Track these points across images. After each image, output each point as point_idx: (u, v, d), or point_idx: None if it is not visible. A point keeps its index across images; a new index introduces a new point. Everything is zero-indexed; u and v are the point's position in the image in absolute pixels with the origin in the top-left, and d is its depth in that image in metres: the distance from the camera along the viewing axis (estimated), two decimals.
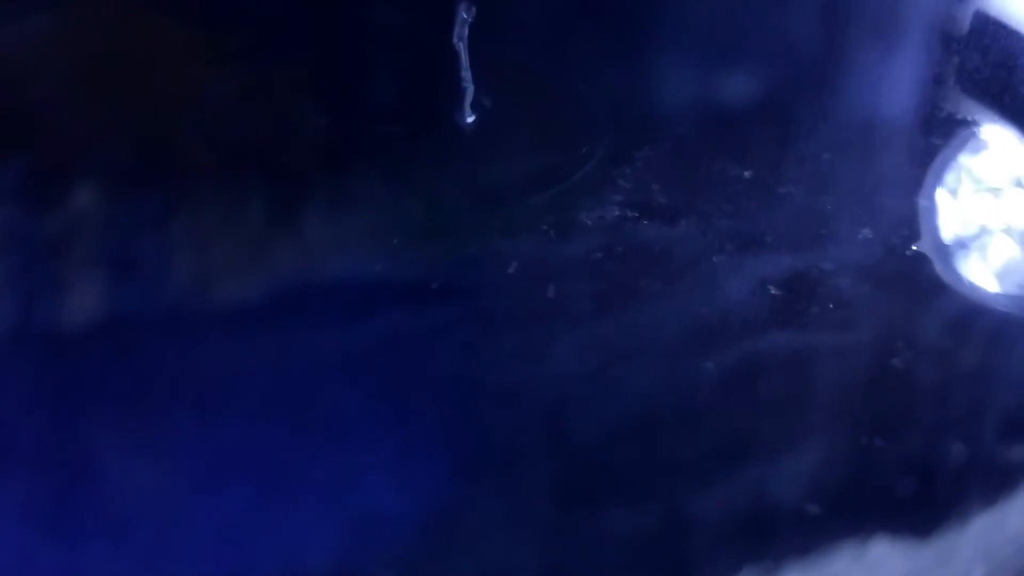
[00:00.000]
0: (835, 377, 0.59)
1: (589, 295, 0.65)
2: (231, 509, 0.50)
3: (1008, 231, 0.71)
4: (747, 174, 0.72)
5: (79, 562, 0.50)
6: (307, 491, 0.51)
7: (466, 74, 0.75)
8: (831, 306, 0.63)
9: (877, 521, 0.49)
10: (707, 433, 0.56)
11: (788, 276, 0.65)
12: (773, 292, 0.64)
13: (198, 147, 0.73)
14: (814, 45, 0.79)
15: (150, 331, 0.58)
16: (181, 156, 0.72)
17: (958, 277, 0.67)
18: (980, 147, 0.76)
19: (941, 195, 0.72)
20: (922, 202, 0.71)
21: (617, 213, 0.70)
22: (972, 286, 0.67)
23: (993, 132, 0.77)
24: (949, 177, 0.73)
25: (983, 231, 0.70)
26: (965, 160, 0.75)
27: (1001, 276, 0.68)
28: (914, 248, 0.67)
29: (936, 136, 0.75)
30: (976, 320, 0.63)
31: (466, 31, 0.74)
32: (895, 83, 0.78)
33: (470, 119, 0.75)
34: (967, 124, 0.77)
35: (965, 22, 0.80)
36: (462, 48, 0.74)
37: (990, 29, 0.79)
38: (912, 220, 0.69)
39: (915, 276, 0.65)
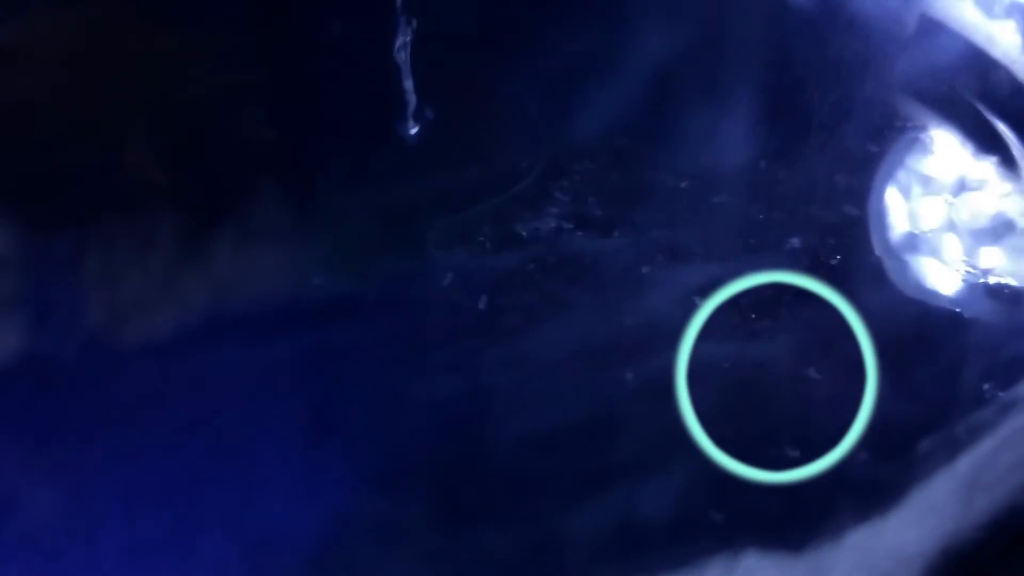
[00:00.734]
0: (750, 392, 0.60)
1: (519, 307, 0.66)
2: (145, 538, 0.52)
3: (954, 231, 0.71)
4: (684, 184, 0.73)
5: None
6: (214, 515, 0.53)
7: (408, 85, 0.76)
8: (753, 316, 0.64)
9: (748, 535, 0.50)
10: (621, 451, 0.57)
11: (713, 286, 0.65)
12: (698, 302, 0.65)
13: (146, 162, 0.75)
14: (752, 51, 0.80)
15: (66, 367, 0.60)
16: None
17: (906, 278, 0.68)
18: (925, 150, 0.77)
19: (889, 197, 0.73)
20: (857, 207, 0.72)
21: (553, 225, 0.71)
22: (919, 286, 0.68)
23: (936, 134, 0.77)
24: (896, 180, 0.74)
25: (930, 232, 0.71)
26: (911, 163, 0.75)
27: (948, 276, 0.69)
28: (839, 258, 0.67)
29: (877, 141, 0.76)
30: (895, 329, 0.64)
31: (408, 43, 0.75)
32: (836, 88, 0.78)
33: (413, 131, 0.77)
34: (910, 128, 0.77)
35: (909, 26, 0.80)
36: (404, 60, 0.75)
37: (932, 32, 0.80)
38: (841, 229, 0.70)
39: (839, 287, 0.66)
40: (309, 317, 0.66)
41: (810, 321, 0.63)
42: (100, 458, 0.55)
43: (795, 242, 0.68)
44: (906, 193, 0.74)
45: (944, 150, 0.76)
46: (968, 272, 0.69)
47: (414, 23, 0.74)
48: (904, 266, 0.69)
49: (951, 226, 0.72)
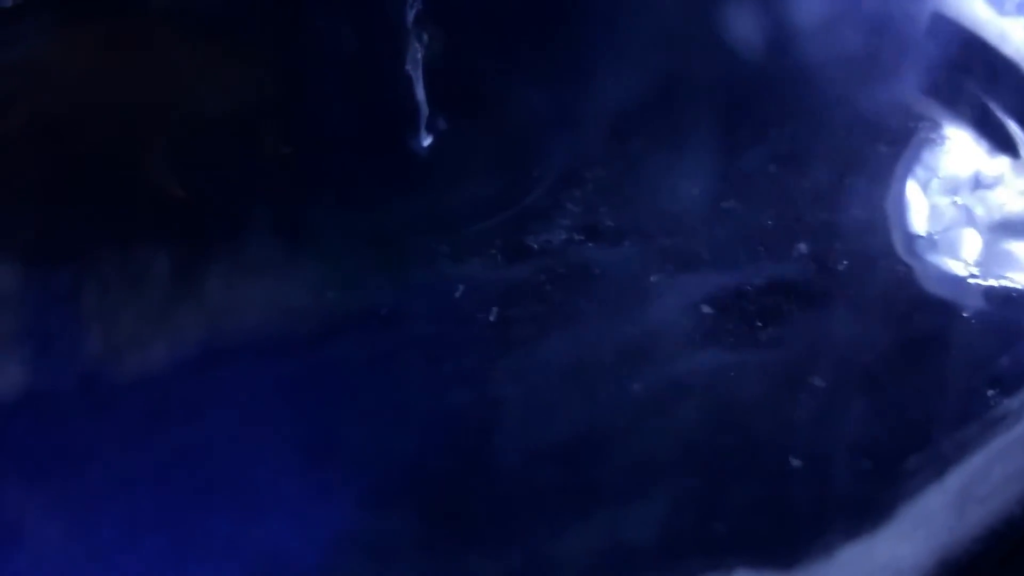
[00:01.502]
0: (756, 401, 0.60)
1: (529, 318, 0.67)
2: (145, 564, 0.54)
3: (972, 226, 0.71)
4: (695, 191, 0.74)
5: None
6: (213, 541, 0.54)
7: (421, 97, 0.77)
8: (759, 324, 0.64)
9: (739, 553, 0.51)
10: (626, 463, 0.57)
11: (720, 294, 0.66)
12: (704, 311, 0.65)
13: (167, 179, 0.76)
14: (764, 53, 0.80)
15: (65, 399, 0.62)
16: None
17: (926, 272, 0.68)
18: (937, 149, 0.76)
19: (900, 199, 0.73)
20: (878, 209, 0.72)
21: (564, 236, 0.72)
22: (941, 280, 0.68)
23: (950, 133, 0.77)
24: (907, 181, 0.74)
25: (947, 227, 0.71)
26: (923, 163, 0.75)
27: (967, 270, 0.69)
28: (846, 263, 0.68)
29: (888, 142, 0.76)
30: (920, 333, 0.64)
31: (420, 55, 0.76)
32: (846, 88, 0.78)
33: (425, 143, 0.78)
34: (922, 128, 0.77)
35: (920, 25, 0.80)
36: (416, 72, 0.76)
37: (945, 31, 0.79)
38: (850, 232, 0.70)
39: (845, 292, 0.66)
40: (320, 332, 0.67)
41: (815, 328, 0.64)
42: (100, 486, 0.57)
43: (802, 247, 0.68)
44: (919, 193, 0.74)
45: (957, 149, 0.76)
46: (980, 272, 0.69)
47: (425, 37, 0.75)
48: (918, 268, 0.69)
49: (965, 225, 0.72)
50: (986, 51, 0.77)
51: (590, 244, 0.71)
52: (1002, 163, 0.75)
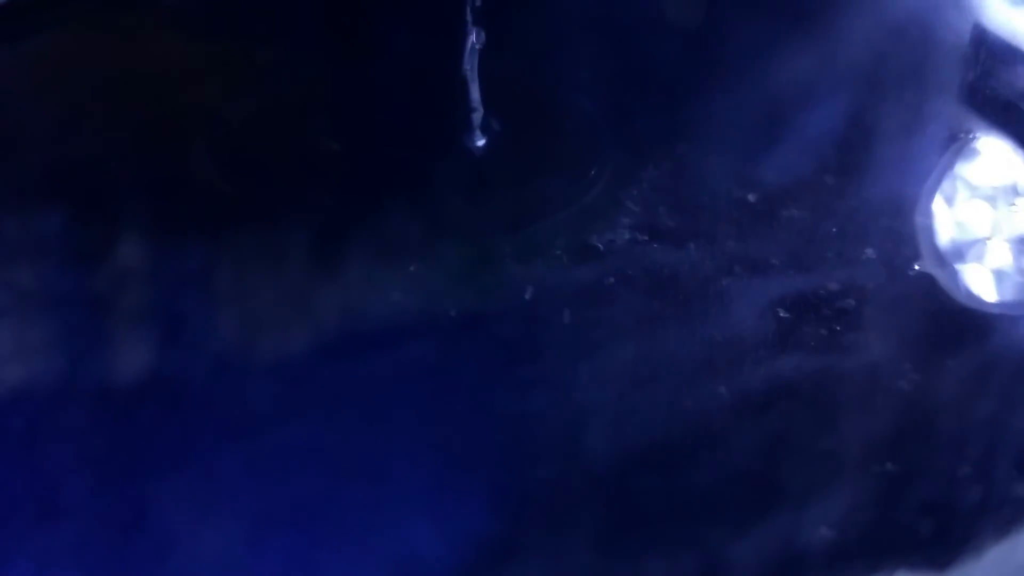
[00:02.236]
0: (847, 405, 0.61)
1: (603, 321, 0.67)
2: (278, 557, 0.52)
3: (1005, 238, 0.73)
4: (750, 196, 0.74)
5: None
6: (348, 535, 0.53)
7: (475, 97, 0.76)
8: (838, 328, 0.65)
9: (897, 555, 0.52)
10: (726, 469, 0.58)
11: (796, 299, 0.67)
12: (782, 315, 0.66)
13: (215, 179, 0.75)
14: (809, 64, 0.81)
15: (194, 387, 0.60)
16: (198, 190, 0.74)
17: (956, 285, 0.69)
18: (976, 156, 0.78)
19: (938, 205, 0.74)
20: (920, 216, 0.73)
21: (627, 237, 0.72)
22: (970, 294, 0.69)
23: (988, 142, 0.79)
24: (946, 187, 0.76)
25: (980, 239, 0.73)
26: (962, 170, 0.77)
27: (998, 282, 0.70)
28: (916, 267, 0.69)
29: (934, 150, 0.77)
30: (985, 339, 0.65)
31: (476, 56, 0.75)
32: (892, 99, 0.80)
33: (480, 142, 0.77)
34: (963, 135, 0.79)
35: (962, 36, 0.82)
36: (472, 72, 0.76)
37: (986, 41, 0.81)
38: (914, 238, 0.71)
39: (920, 295, 0.67)
40: (396, 336, 0.66)
41: (896, 331, 0.65)
42: (230, 478, 0.56)
43: (870, 252, 0.69)
44: (950, 201, 0.75)
45: (999, 158, 0.78)
46: None
47: (483, 35, 0.75)
48: (978, 274, 0.71)
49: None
50: None
51: (654, 245, 0.71)
52: None
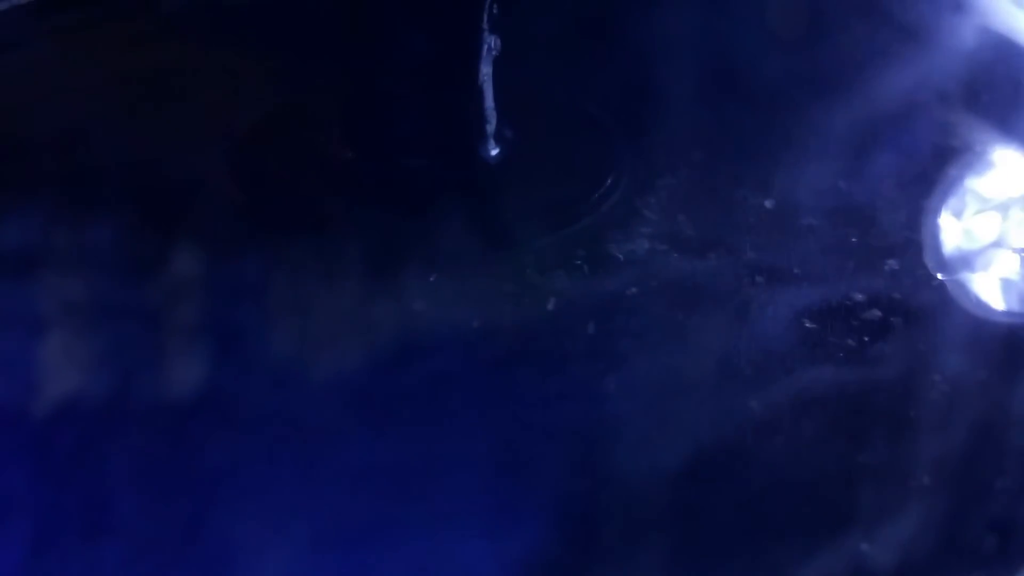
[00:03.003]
0: (880, 418, 0.61)
1: (628, 332, 0.67)
2: None
3: (1014, 247, 0.73)
4: (768, 203, 0.74)
5: None
6: (402, 555, 0.53)
7: (490, 105, 0.76)
8: (866, 339, 0.65)
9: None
10: (769, 484, 0.57)
11: (821, 309, 0.67)
12: (808, 326, 0.66)
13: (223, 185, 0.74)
14: (819, 70, 0.81)
15: (249, 403, 0.59)
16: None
17: (964, 293, 0.70)
18: (987, 166, 0.78)
19: (952, 215, 0.74)
20: (937, 225, 0.73)
21: (647, 246, 0.71)
22: (978, 302, 0.69)
23: (1000, 151, 0.79)
24: (956, 197, 0.76)
25: (989, 248, 0.73)
26: (971, 180, 0.77)
27: (1006, 290, 0.71)
28: (940, 277, 0.69)
29: (948, 160, 0.77)
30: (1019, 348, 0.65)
31: (491, 64, 0.74)
32: (903, 109, 0.80)
33: (494, 151, 0.76)
34: (976, 145, 0.79)
35: (972, 47, 0.82)
36: (487, 81, 0.75)
37: (998, 51, 0.81)
38: (933, 248, 0.71)
39: (947, 306, 0.67)
40: (421, 348, 0.65)
41: (924, 343, 0.65)
42: (286, 498, 0.55)
43: (893, 263, 0.69)
44: (959, 211, 0.75)
45: (1012, 168, 0.78)
46: None
47: (499, 43, 0.74)
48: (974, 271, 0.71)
49: None
50: None
51: (675, 255, 0.71)
52: None
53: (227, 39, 0.82)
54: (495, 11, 0.73)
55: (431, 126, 0.76)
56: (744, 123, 0.80)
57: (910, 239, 0.71)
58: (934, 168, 0.77)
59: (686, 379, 0.64)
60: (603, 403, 0.63)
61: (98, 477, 0.55)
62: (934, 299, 0.68)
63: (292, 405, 0.60)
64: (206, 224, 0.71)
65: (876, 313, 0.66)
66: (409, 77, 0.75)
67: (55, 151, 0.74)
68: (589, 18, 0.83)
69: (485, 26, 0.73)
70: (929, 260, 0.70)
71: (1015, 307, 0.70)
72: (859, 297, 0.67)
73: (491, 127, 0.76)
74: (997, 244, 0.73)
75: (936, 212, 0.74)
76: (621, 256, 0.71)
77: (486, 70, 0.74)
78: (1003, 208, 0.76)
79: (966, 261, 0.72)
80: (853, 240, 0.71)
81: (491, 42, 0.74)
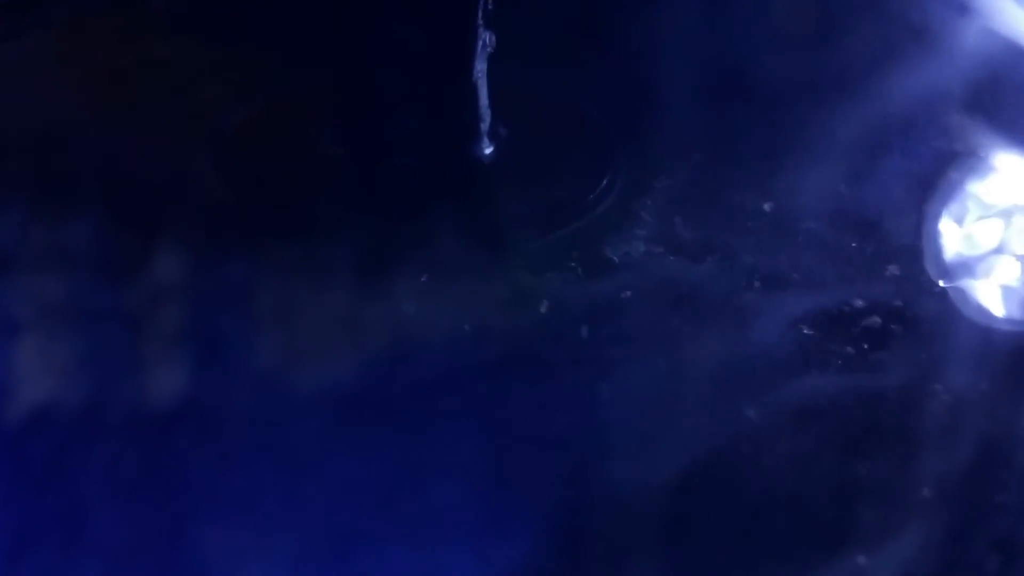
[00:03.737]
0: (878, 427, 0.59)
1: (621, 337, 0.65)
2: None
3: (1016, 254, 0.72)
4: (767, 207, 0.72)
5: None
6: (387, 565, 0.51)
7: (484, 104, 0.74)
8: (865, 347, 0.64)
9: None
10: (762, 494, 0.56)
11: (819, 316, 0.65)
12: (806, 332, 0.64)
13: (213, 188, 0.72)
14: (820, 72, 0.80)
15: (232, 414, 0.58)
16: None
17: (965, 300, 0.68)
18: (990, 173, 0.77)
19: (953, 221, 0.73)
20: (937, 231, 0.72)
21: (643, 249, 0.70)
22: (980, 309, 0.68)
23: (1002, 156, 0.77)
24: (958, 203, 0.74)
25: (991, 254, 0.72)
26: (975, 186, 0.76)
27: (1007, 298, 0.69)
28: (941, 284, 0.67)
29: (948, 165, 0.76)
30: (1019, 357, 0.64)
31: (486, 62, 0.73)
32: (905, 112, 0.78)
33: (488, 150, 0.75)
34: (978, 149, 0.77)
35: (976, 50, 0.81)
36: (482, 79, 0.73)
37: (1002, 54, 0.80)
38: (933, 255, 0.70)
39: (947, 314, 0.66)
40: (407, 350, 0.64)
41: (925, 351, 0.63)
42: (270, 512, 0.53)
43: (894, 269, 0.68)
44: (961, 217, 0.74)
45: (1013, 174, 0.77)
46: None
47: (493, 40, 0.72)
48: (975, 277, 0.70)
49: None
50: None
51: (671, 258, 0.69)
52: None
53: (217, 35, 0.80)
54: (490, 8, 0.72)
55: (423, 125, 0.74)
56: (744, 125, 0.78)
57: (911, 245, 0.70)
58: (936, 173, 0.75)
59: (680, 387, 0.62)
60: (594, 410, 0.61)
61: (74, 489, 0.54)
62: (935, 306, 0.66)
63: (277, 411, 0.58)
64: (191, 224, 0.69)
65: (876, 320, 0.65)
66: (401, 75, 0.73)
67: (40, 148, 0.73)
68: (586, 16, 0.82)
69: (480, 23, 0.72)
70: (930, 266, 0.69)
71: (1017, 314, 0.68)
72: (859, 303, 0.66)
73: (485, 126, 0.74)
74: (999, 250, 0.72)
75: (938, 217, 0.73)
76: (616, 259, 0.69)
77: (480, 68, 0.73)
78: (1005, 214, 0.74)
79: (968, 267, 0.70)
80: (853, 245, 0.70)
81: (486, 39, 0.72)
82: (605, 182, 0.74)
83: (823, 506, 0.56)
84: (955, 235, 0.72)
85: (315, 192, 0.73)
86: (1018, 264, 0.71)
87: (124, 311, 0.62)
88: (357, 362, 0.63)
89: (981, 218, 0.73)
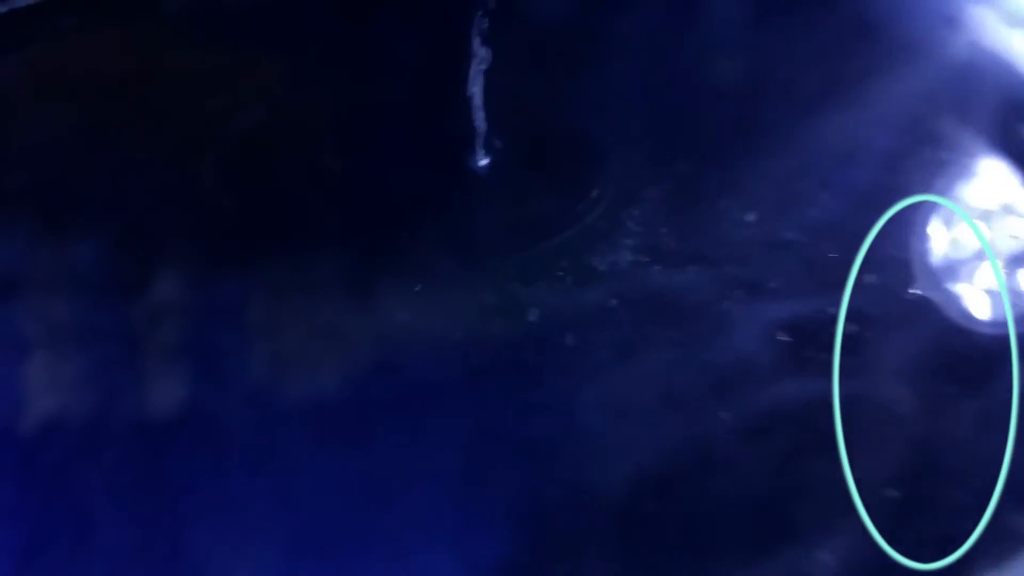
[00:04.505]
0: (851, 432, 0.62)
1: (606, 344, 0.68)
2: None
3: (999, 257, 0.74)
4: (749, 217, 0.75)
5: None
6: (375, 569, 0.54)
7: (480, 116, 0.76)
8: (843, 353, 0.66)
9: None
10: (733, 497, 0.58)
11: (796, 323, 0.67)
12: (782, 339, 0.67)
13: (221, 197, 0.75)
14: (806, 81, 0.81)
15: (228, 419, 0.61)
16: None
17: (950, 304, 0.70)
18: (972, 176, 0.79)
19: (935, 227, 0.75)
20: (918, 238, 0.74)
21: (630, 258, 0.72)
22: (964, 313, 0.70)
23: (983, 160, 0.79)
24: (943, 208, 0.76)
25: (973, 259, 0.73)
26: (957, 190, 0.77)
27: (992, 302, 0.71)
28: (918, 292, 0.69)
29: (931, 170, 0.78)
30: (991, 366, 0.66)
31: (481, 75, 0.75)
32: (890, 119, 0.80)
33: (483, 162, 0.77)
34: (961, 155, 0.79)
35: (962, 62, 0.82)
36: (477, 90, 0.76)
37: (986, 64, 0.82)
38: (913, 262, 0.72)
39: (923, 321, 0.68)
40: (399, 357, 0.67)
41: (900, 358, 0.66)
42: (262, 512, 0.56)
43: (873, 278, 0.70)
44: (947, 220, 0.76)
45: (995, 178, 0.78)
46: None
47: (489, 54, 0.75)
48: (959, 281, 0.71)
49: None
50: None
51: (656, 267, 0.72)
52: None
53: (224, 45, 0.82)
54: (485, 24, 0.74)
55: (414, 137, 0.77)
56: (730, 135, 0.80)
57: (892, 251, 0.72)
58: (918, 179, 0.77)
59: (659, 391, 0.65)
60: (575, 415, 0.64)
61: (79, 497, 0.57)
62: (916, 311, 0.68)
63: (272, 419, 0.61)
64: (192, 239, 0.72)
65: (852, 328, 0.67)
66: (398, 88, 0.76)
67: (46, 159, 0.75)
68: (577, 28, 0.84)
69: (476, 37, 0.74)
70: (912, 271, 0.71)
71: (999, 319, 0.70)
72: (834, 311, 0.68)
73: (476, 139, 0.77)
74: (981, 255, 0.73)
75: (921, 223, 0.75)
76: (603, 268, 0.72)
77: (476, 81, 0.75)
78: (987, 219, 0.76)
79: (950, 272, 0.72)
80: (833, 256, 0.72)
81: (481, 53, 0.75)
82: (595, 193, 0.76)
83: (791, 508, 0.59)
84: (938, 240, 0.74)
85: (311, 204, 0.75)
86: (1001, 268, 0.73)
87: (126, 328, 0.65)
88: (350, 371, 0.66)
89: (964, 223, 0.75)
